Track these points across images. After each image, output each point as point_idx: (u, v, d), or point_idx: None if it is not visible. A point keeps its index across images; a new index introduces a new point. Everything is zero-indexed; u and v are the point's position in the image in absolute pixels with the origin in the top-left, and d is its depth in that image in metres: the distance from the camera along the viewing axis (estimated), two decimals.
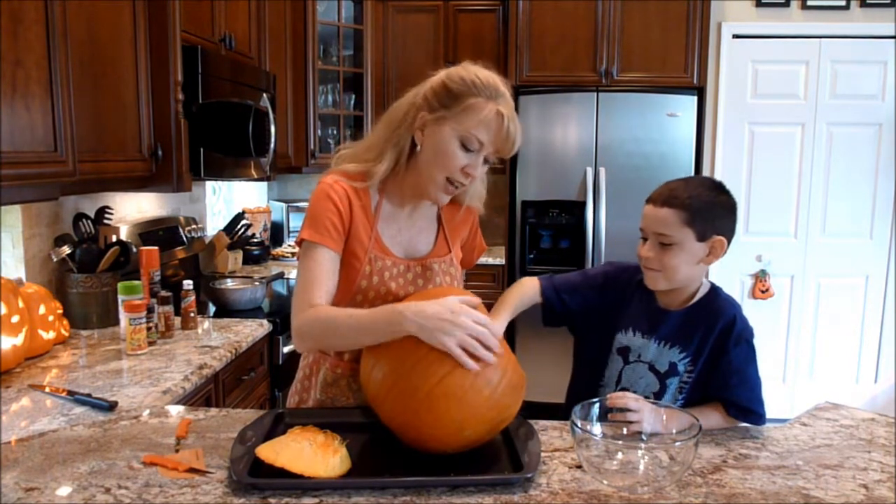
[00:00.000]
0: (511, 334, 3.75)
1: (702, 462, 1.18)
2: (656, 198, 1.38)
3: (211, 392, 1.91)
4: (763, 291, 4.00)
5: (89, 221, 2.21)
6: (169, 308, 2.04)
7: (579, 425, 1.04)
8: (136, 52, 2.10)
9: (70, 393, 1.52)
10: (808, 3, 3.81)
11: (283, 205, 4.04)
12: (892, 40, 3.78)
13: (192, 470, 1.11)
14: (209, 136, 2.44)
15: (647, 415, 1.20)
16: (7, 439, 1.27)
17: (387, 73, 4.03)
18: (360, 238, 1.34)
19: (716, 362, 1.39)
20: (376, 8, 3.98)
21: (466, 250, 1.54)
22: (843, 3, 3.79)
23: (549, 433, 1.29)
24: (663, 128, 3.65)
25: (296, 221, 4.02)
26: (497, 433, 1.18)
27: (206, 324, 2.26)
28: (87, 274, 2.11)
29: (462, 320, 1.11)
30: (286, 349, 2.46)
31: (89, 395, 1.49)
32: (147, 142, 2.16)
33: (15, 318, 1.69)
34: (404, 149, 1.33)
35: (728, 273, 3.87)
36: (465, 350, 1.10)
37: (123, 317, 1.89)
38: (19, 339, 1.70)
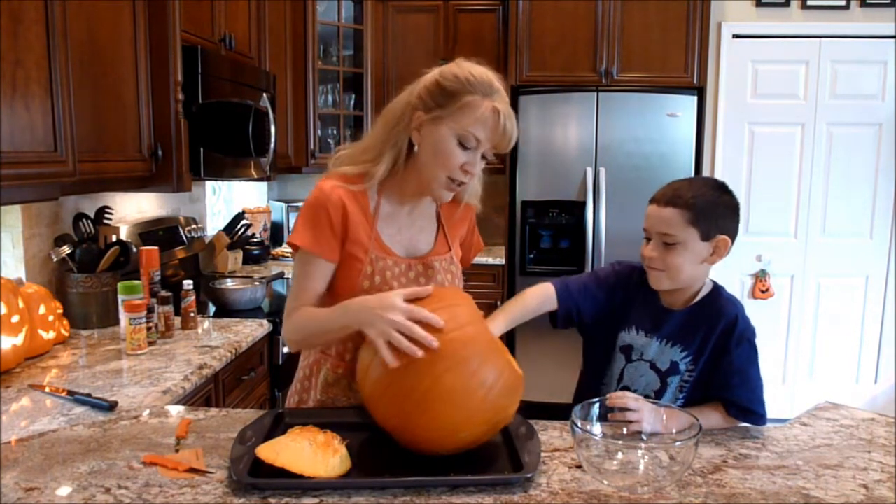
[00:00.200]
0: (511, 334, 3.75)
1: (702, 462, 1.18)
2: (660, 197, 1.38)
3: (211, 392, 1.91)
4: (763, 291, 4.00)
5: (89, 221, 2.21)
6: (169, 308, 2.05)
7: (579, 425, 1.04)
8: (136, 52, 2.10)
9: (70, 393, 1.52)
10: (808, 3, 3.81)
11: (283, 205, 4.04)
12: (892, 40, 3.78)
13: (192, 470, 1.11)
14: (209, 136, 2.44)
15: (646, 415, 1.20)
16: (7, 439, 1.27)
17: (387, 73, 4.03)
18: (360, 240, 1.34)
19: (717, 362, 1.39)
20: (376, 8, 3.98)
21: (464, 248, 1.54)
22: (843, 3, 3.79)
23: (549, 433, 1.29)
24: (663, 128, 3.65)
25: None
26: (495, 434, 1.18)
27: (206, 324, 2.26)
28: (87, 274, 2.11)
29: (388, 314, 1.11)
30: (286, 349, 2.46)
31: (89, 395, 1.49)
32: (147, 142, 2.16)
33: (15, 318, 1.69)
34: (402, 149, 1.33)
35: (728, 273, 3.87)
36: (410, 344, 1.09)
37: (123, 317, 1.89)
38: (19, 339, 1.70)
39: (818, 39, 3.84)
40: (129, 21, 2.06)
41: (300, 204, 4.31)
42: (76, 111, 1.72)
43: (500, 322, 1.41)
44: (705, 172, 3.88)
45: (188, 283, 2.15)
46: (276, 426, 1.25)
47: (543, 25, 3.72)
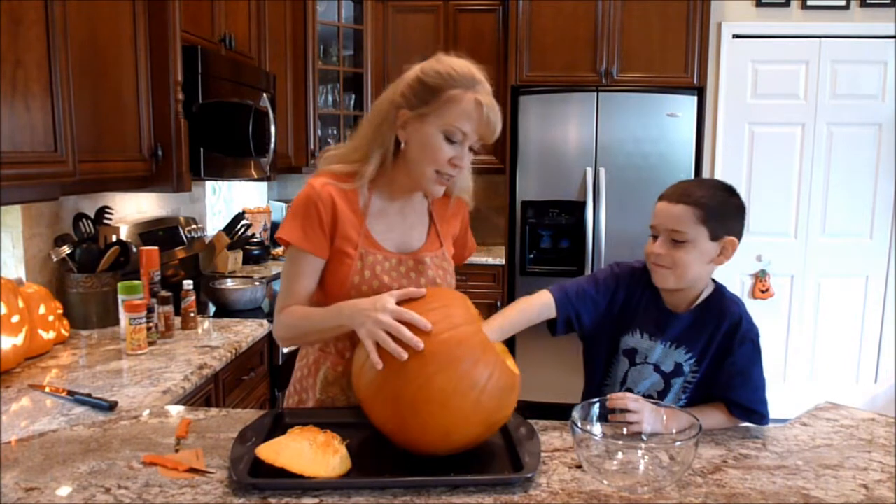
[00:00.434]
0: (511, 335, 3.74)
1: (702, 462, 1.18)
2: (671, 194, 1.37)
3: (211, 392, 1.91)
4: (763, 291, 4.00)
5: (89, 221, 2.21)
6: (169, 308, 2.05)
7: (579, 425, 1.04)
8: (136, 52, 2.10)
9: (70, 393, 1.52)
10: (808, 3, 3.81)
11: (283, 205, 4.04)
12: (892, 40, 3.78)
13: (192, 470, 1.11)
14: (209, 136, 2.44)
15: (646, 415, 1.20)
16: (7, 439, 1.27)
17: (387, 73, 4.03)
18: (350, 236, 1.35)
19: (721, 362, 1.39)
20: (376, 8, 3.98)
21: (458, 247, 1.55)
22: (843, 3, 3.79)
23: (549, 433, 1.29)
24: (663, 128, 3.65)
25: None
26: (493, 433, 1.17)
27: (206, 324, 2.26)
28: (87, 274, 2.11)
29: (377, 314, 1.12)
30: (286, 349, 2.46)
31: (89, 395, 1.49)
32: (147, 142, 2.16)
33: (15, 318, 1.69)
34: (389, 148, 1.34)
35: (728, 273, 3.87)
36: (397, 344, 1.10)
37: (123, 317, 1.89)
38: (19, 339, 1.70)
39: (818, 39, 3.84)
40: (129, 21, 2.06)
41: None
42: (76, 111, 1.72)
43: (496, 331, 1.35)
44: (705, 172, 3.88)
45: (188, 283, 2.15)
46: (276, 426, 1.25)
47: (543, 25, 3.72)
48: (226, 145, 2.60)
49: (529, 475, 1.07)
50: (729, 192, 1.39)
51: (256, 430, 1.21)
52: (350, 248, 1.35)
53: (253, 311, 2.52)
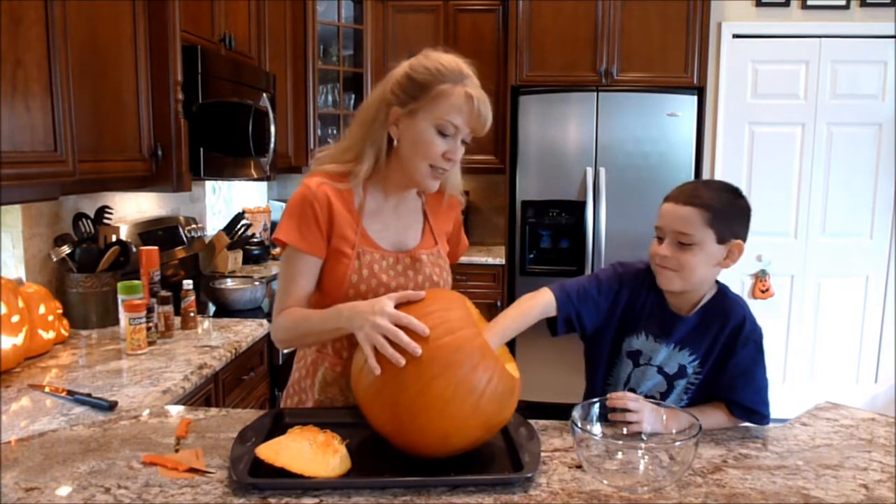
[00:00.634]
0: None
1: (702, 462, 1.18)
2: (677, 196, 1.35)
3: (211, 392, 1.91)
4: (763, 291, 4.00)
5: (89, 221, 2.20)
6: (169, 308, 2.04)
7: (579, 425, 1.04)
8: (136, 53, 2.10)
9: (70, 393, 1.52)
10: (808, 2, 3.81)
11: (283, 205, 4.03)
12: (892, 40, 3.78)
13: (192, 470, 1.11)
14: (209, 135, 2.44)
15: (646, 415, 1.20)
16: (7, 439, 1.27)
17: (387, 72, 4.02)
18: (346, 236, 1.35)
19: (724, 363, 1.38)
20: (376, 8, 3.98)
21: (451, 245, 1.56)
22: (843, 3, 3.79)
23: (549, 433, 1.29)
24: (663, 128, 3.65)
25: None
26: (492, 435, 1.17)
27: (206, 324, 2.26)
28: (86, 274, 2.11)
29: (376, 318, 1.12)
30: (285, 350, 2.46)
31: (89, 395, 1.49)
32: (147, 142, 2.16)
33: (15, 318, 1.69)
34: (382, 146, 1.34)
35: (728, 273, 3.84)
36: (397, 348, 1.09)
37: (123, 317, 1.89)
38: (19, 339, 1.70)
39: (818, 39, 3.84)
40: (129, 21, 2.06)
41: None
42: (76, 111, 1.72)
43: (497, 336, 1.32)
44: (705, 172, 3.88)
45: (188, 283, 2.15)
46: (276, 426, 1.25)
47: (543, 25, 3.72)
48: (226, 145, 2.60)
49: (529, 475, 1.07)
50: (735, 194, 1.37)
51: (256, 429, 1.21)
52: (347, 248, 1.35)
53: (253, 311, 2.52)
